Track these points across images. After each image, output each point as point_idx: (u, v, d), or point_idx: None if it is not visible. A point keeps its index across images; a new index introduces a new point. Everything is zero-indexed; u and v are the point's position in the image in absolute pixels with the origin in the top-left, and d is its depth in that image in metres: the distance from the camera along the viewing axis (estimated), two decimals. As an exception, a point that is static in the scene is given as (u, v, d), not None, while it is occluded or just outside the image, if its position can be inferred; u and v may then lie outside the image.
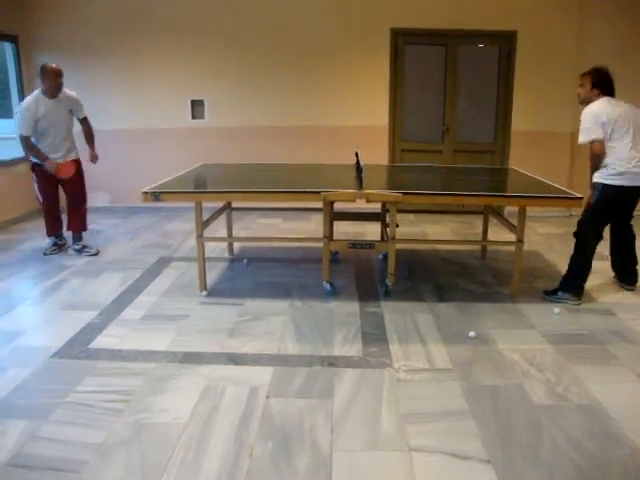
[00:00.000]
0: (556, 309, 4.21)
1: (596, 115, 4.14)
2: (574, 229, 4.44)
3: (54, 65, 5.16)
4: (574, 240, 4.43)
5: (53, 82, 5.14)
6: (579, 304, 4.34)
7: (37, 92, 5.19)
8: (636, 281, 4.68)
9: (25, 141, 5.16)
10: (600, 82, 4.27)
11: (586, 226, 4.34)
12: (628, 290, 4.65)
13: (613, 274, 4.81)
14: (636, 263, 4.66)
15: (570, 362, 3.40)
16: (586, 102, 4.30)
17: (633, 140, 4.19)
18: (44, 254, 5.59)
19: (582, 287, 4.39)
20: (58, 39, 7.31)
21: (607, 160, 4.20)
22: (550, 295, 4.44)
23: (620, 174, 4.17)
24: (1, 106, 8.27)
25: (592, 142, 4.17)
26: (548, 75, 7.15)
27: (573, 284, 4.38)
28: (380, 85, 7.35)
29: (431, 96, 7.51)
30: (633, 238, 4.62)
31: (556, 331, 3.86)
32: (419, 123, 7.61)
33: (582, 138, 4.22)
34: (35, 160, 5.35)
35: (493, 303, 4.39)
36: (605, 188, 4.22)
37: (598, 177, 4.28)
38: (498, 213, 5.39)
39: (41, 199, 5.55)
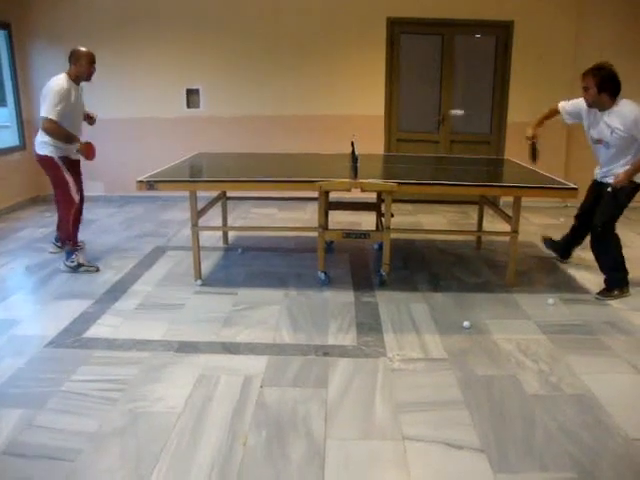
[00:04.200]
0: (550, 300, 4.22)
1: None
2: (571, 222, 4.56)
3: (88, 50, 4.75)
4: (599, 242, 4.38)
5: (88, 68, 4.74)
6: (629, 293, 4.37)
7: (64, 75, 4.65)
8: (569, 257, 5.06)
9: (54, 124, 4.52)
10: (606, 86, 4.05)
11: (611, 225, 4.33)
12: (560, 262, 5.03)
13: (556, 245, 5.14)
14: (578, 245, 4.97)
15: (564, 352, 3.42)
16: (597, 106, 4.16)
17: None
18: (75, 270, 4.83)
19: (627, 275, 4.42)
20: (52, 27, 7.25)
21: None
22: (605, 294, 4.34)
23: None
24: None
25: None
26: (545, 66, 7.14)
27: (621, 278, 4.37)
28: (376, 74, 7.33)
29: (427, 86, 7.49)
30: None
31: (550, 321, 3.88)
32: (415, 113, 7.60)
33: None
34: (56, 151, 4.71)
35: (488, 293, 4.40)
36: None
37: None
38: (493, 203, 5.40)
39: (77, 200, 4.87)
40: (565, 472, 2.36)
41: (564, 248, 5.07)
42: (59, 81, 4.61)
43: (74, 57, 4.72)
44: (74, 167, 4.94)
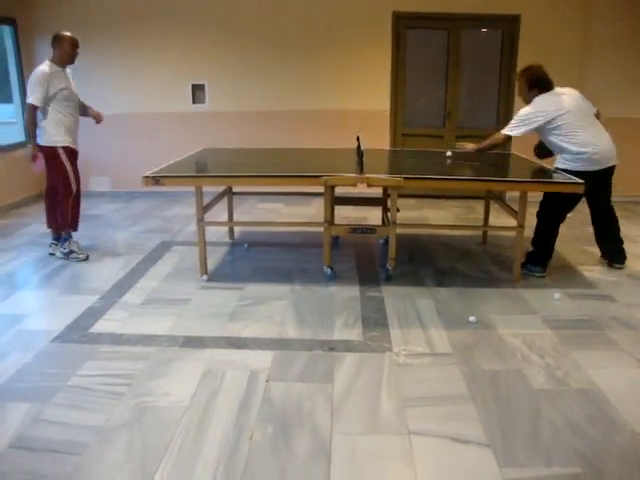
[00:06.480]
0: (557, 294, 4.21)
1: (536, 113, 4.37)
2: (572, 214, 4.58)
3: (70, 34, 4.79)
4: (537, 219, 4.64)
5: (69, 50, 4.76)
6: (545, 276, 4.55)
7: (46, 61, 4.70)
8: (625, 258, 4.80)
9: (31, 110, 4.67)
10: (534, 83, 4.49)
11: (552, 210, 4.52)
12: (619, 268, 4.77)
13: (601, 256, 4.95)
14: (621, 242, 4.80)
15: (570, 347, 3.41)
16: (528, 102, 4.51)
17: (589, 127, 4.39)
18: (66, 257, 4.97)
19: (549, 260, 4.64)
20: (57, 23, 7.20)
21: (568, 148, 4.36)
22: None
23: (579, 160, 4.36)
24: (0, 92, 8.22)
25: (508, 136, 4.49)
26: (551, 59, 7.05)
27: (543, 260, 4.61)
28: (382, 69, 7.30)
29: (433, 81, 7.48)
30: (614, 218, 4.76)
31: (556, 316, 3.87)
32: (421, 108, 7.58)
33: (509, 131, 4.47)
34: (59, 140, 4.79)
35: (494, 288, 4.39)
36: (567, 174, 4.33)
37: (560, 164, 4.48)
38: (499, 198, 5.38)
39: (74, 189, 4.98)
40: (571, 467, 2.35)
41: (609, 251, 4.84)
42: (40, 67, 4.70)
43: (56, 41, 4.75)
44: (74, 157, 5.01)
